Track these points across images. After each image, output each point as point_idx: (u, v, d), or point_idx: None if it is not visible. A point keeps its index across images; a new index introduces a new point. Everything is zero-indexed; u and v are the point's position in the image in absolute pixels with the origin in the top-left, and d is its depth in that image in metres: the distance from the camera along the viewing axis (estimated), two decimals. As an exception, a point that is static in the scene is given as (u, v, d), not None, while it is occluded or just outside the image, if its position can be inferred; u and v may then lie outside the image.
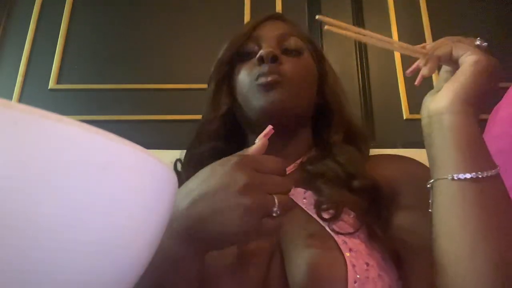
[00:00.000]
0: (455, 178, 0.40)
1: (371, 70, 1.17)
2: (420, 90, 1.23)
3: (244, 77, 0.59)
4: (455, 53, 0.47)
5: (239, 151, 0.62)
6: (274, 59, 0.56)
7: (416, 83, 0.53)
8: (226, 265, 0.47)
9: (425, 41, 1.18)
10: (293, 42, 0.61)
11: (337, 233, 0.45)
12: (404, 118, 1.11)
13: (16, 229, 0.18)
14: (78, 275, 0.21)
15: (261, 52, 0.56)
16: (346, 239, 0.44)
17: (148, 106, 1.14)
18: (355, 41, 1.20)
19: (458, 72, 0.44)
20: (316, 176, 0.53)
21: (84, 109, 1.15)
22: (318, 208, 0.48)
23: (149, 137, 1.10)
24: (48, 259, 0.19)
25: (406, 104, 1.12)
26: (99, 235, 0.21)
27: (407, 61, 1.17)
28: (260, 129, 0.61)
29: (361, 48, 1.19)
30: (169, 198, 0.28)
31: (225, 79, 0.62)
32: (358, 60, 1.17)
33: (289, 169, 0.58)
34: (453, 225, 0.40)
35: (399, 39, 1.18)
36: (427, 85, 1.22)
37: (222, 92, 0.62)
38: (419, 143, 0.74)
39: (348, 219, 0.47)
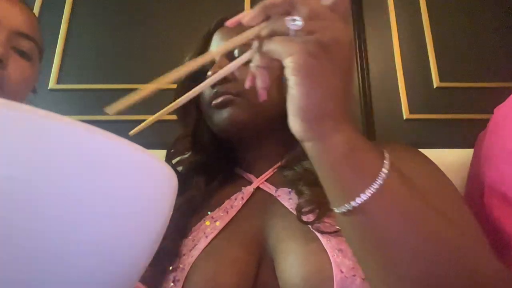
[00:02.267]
0: (339, 212, 0.34)
1: (371, 70, 1.17)
2: (420, 90, 1.23)
3: (203, 99, 0.60)
4: (272, 56, 0.35)
5: (224, 167, 0.64)
6: (222, 79, 0.54)
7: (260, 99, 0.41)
8: (217, 268, 0.47)
9: (425, 41, 1.18)
10: (243, 48, 0.54)
11: (322, 232, 0.45)
12: (404, 118, 1.11)
13: (16, 229, 0.18)
14: (77, 275, 0.21)
15: (208, 75, 0.54)
16: (332, 238, 0.44)
17: (148, 106, 1.14)
18: (355, 41, 1.20)
19: (289, 84, 0.34)
20: (295, 180, 0.53)
21: (84, 109, 1.14)
22: (298, 211, 0.47)
23: (149, 137, 1.10)
24: (49, 259, 0.19)
25: (406, 104, 1.12)
26: (99, 235, 0.21)
27: (407, 61, 1.17)
28: (236, 143, 0.63)
29: (361, 48, 1.19)
30: (169, 197, 0.28)
31: (191, 102, 0.62)
32: (358, 60, 1.17)
33: (268, 173, 0.58)
34: (359, 257, 0.36)
35: (399, 39, 1.18)
36: (427, 84, 1.22)
37: (189, 112, 0.64)
38: (419, 143, 0.74)
39: (332, 218, 0.47)
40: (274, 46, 0.34)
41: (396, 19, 1.21)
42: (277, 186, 0.55)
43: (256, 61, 0.37)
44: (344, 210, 0.33)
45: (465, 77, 1.15)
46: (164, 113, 0.40)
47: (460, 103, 1.13)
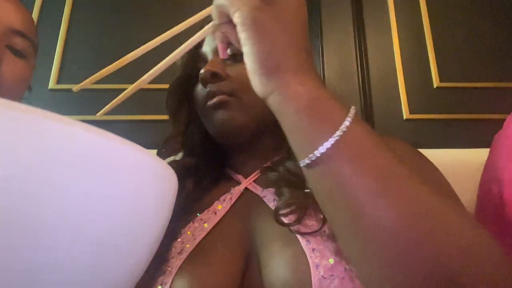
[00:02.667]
0: (304, 164, 0.32)
1: (371, 70, 1.17)
2: (420, 90, 1.23)
3: (197, 99, 0.59)
4: (224, 11, 0.35)
5: (213, 168, 0.63)
6: (214, 77, 0.55)
7: (222, 57, 0.42)
8: (205, 270, 0.47)
9: (425, 41, 1.18)
10: (234, 47, 0.55)
11: (301, 233, 0.44)
12: (404, 118, 1.11)
13: (16, 229, 0.18)
14: (78, 274, 0.21)
15: (200, 74, 0.55)
16: (311, 238, 0.44)
17: (148, 106, 1.14)
18: (355, 41, 1.20)
19: (241, 41, 0.34)
20: (277, 181, 0.53)
21: (84, 109, 1.15)
22: (276, 213, 0.47)
23: (149, 137, 1.10)
24: (49, 259, 0.19)
25: (406, 104, 1.12)
26: (100, 235, 0.21)
27: (407, 61, 1.17)
28: (225, 145, 0.61)
29: (361, 48, 1.19)
30: (169, 197, 0.28)
31: (183, 102, 0.64)
32: (358, 60, 1.17)
33: (254, 175, 0.57)
34: (327, 214, 0.33)
35: (399, 39, 1.18)
36: (427, 84, 1.22)
37: (181, 111, 0.64)
38: (419, 143, 0.74)
39: (314, 218, 0.47)
40: (223, 1, 0.34)
41: (396, 19, 1.21)
42: (264, 186, 0.55)
43: (214, 19, 0.38)
44: (308, 161, 0.31)
45: (465, 77, 1.15)
46: (131, 90, 0.44)
47: (460, 103, 1.13)
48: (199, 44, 0.62)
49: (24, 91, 0.60)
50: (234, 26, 0.35)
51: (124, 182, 0.22)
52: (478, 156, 0.87)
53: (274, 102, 0.33)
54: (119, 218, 0.22)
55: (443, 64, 1.16)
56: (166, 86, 1.16)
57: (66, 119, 0.20)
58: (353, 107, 0.33)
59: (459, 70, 1.16)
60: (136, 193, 0.24)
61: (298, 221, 0.45)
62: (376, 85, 1.15)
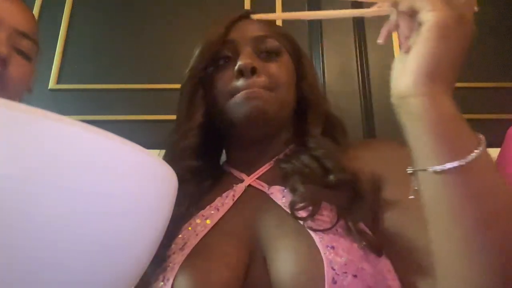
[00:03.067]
0: (437, 170, 0.34)
1: (371, 70, 1.17)
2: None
3: (222, 88, 0.57)
4: (414, 4, 0.37)
5: (214, 168, 0.62)
6: (253, 71, 0.54)
7: (379, 41, 0.44)
8: (208, 265, 0.47)
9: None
10: (270, 44, 0.58)
11: (315, 230, 0.44)
12: (404, 118, 1.11)
13: (16, 229, 0.18)
14: (78, 274, 0.21)
15: (239, 64, 0.54)
16: (324, 235, 0.44)
17: (148, 106, 1.14)
18: (355, 41, 1.20)
19: (418, 38, 0.36)
20: (292, 174, 0.52)
21: (84, 109, 1.15)
22: (292, 208, 0.47)
23: (149, 137, 1.10)
24: (49, 259, 0.19)
25: (406, 104, 1.12)
26: (99, 235, 0.21)
27: (407, 61, 1.17)
28: (239, 140, 0.60)
29: (361, 48, 1.19)
30: (169, 197, 0.28)
31: (199, 88, 0.59)
32: (358, 60, 1.17)
33: (265, 167, 0.57)
34: (444, 221, 0.36)
35: (399, 39, 1.18)
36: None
37: (196, 102, 0.59)
38: (419, 143, 0.74)
39: (327, 214, 0.47)
40: None
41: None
42: (270, 183, 0.54)
43: (400, 7, 0.39)
44: (455, 165, 0.34)
45: (465, 77, 1.15)
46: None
47: (459, 103, 1.13)
48: (228, 32, 0.59)
49: (25, 92, 0.61)
50: (409, 20, 0.38)
51: (124, 182, 0.22)
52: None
53: (419, 103, 0.36)
54: (119, 218, 0.22)
55: (443, 64, 1.16)
56: (166, 86, 1.16)
57: (66, 119, 0.20)
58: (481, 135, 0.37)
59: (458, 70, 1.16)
60: (136, 193, 0.24)
61: (312, 215, 0.46)
62: (376, 85, 1.15)
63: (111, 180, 0.22)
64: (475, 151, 0.34)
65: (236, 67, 0.54)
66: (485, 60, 1.17)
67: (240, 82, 0.54)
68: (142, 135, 1.11)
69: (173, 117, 1.16)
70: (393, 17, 0.41)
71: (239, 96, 0.54)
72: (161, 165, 0.26)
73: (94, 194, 0.21)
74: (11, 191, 0.18)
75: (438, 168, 0.34)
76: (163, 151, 0.65)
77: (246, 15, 0.61)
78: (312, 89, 0.62)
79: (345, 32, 1.21)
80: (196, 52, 0.60)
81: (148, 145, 0.34)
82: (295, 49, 0.63)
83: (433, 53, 0.35)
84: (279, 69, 0.57)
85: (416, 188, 0.38)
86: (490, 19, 1.21)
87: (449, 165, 0.34)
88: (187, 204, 0.56)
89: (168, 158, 0.60)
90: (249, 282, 0.46)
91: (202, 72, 0.59)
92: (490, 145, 0.94)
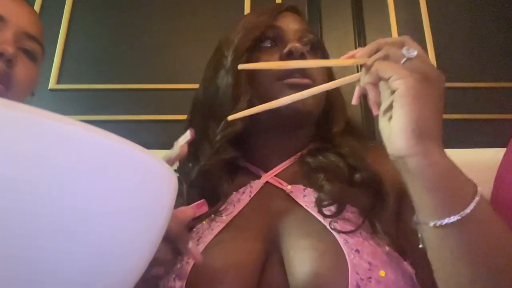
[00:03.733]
0: (437, 225, 0.36)
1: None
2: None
3: (268, 71, 0.55)
4: (381, 75, 0.40)
5: (244, 158, 0.61)
6: (302, 56, 0.54)
7: (353, 103, 0.47)
8: (223, 262, 0.46)
9: (425, 41, 1.18)
10: (313, 38, 0.60)
11: (339, 231, 0.44)
12: (404, 118, 1.11)
13: (15, 229, 0.18)
14: (78, 275, 0.21)
15: (290, 46, 0.54)
16: (348, 237, 0.43)
17: (148, 106, 1.14)
18: (355, 41, 1.20)
19: (396, 104, 0.38)
20: (317, 170, 0.52)
21: (84, 109, 1.15)
22: (319, 205, 0.47)
23: (149, 137, 1.10)
24: (48, 259, 0.19)
25: (406, 104, 1.12)
26: (99, 235, 0.21)
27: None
28: (274, 129, 0.58)
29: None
30: (169, 197, 0.28)
31: (243, 70, 0.55)
32: (358, 60, 1.17)
33: (284, 164, 0.57)
34: (447, 271, 0.37)
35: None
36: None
37: (241, 84, 0.56)
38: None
39: (350, 216, 0.46)
40: (386, 68, 0.39)
41: (396, 19, 1.21)
42: (289, 182, 0.54)
43: (366, 79, 0.42)
44: (442, 223, 0.35)
45: (465, 77, 1.15)
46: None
47: (460, 103, 1.13)
48: (273, 20, 0.59)
49: (29, 94, 0.61)
50: (377, 87, 0.41)
51: (124, 182, 0.22)
52: (478, 156, 0.87)
53: (416, 164, 0.37)
54: (119, 218, 0.22)
55: (443, 64, 1.16)
56: (166, 86, 1.16)
57: (66, 119, 0.20)
58: (476, 183, 0.38)
59: (459, 70, 1.16)
60: (136, 193, 0.24)
61: (337, 215, 0.46)
62: (376, 85, 1.15)
63: (111, 180, 0.22)
64: (472, 203, 0.35)
65: (287, 48, 0.54)
66: (486, 60, 1.17)
67: (284, 69, 0.54)
68: (142, 135, 1.11)
69: (174, 117, 1.16)
70: (362, 83, 0.43)
71: (289, 81, 0.54)
72: (161, 165, 0.26)
73: (94, 194, 0.21)
74: (10, 191, 0.18)
75: (438, 223, 0.36)
76: (163, 151, 0.65)
77: (293, 9, 0.63)
78: (337, 89, 0.62)
79: (345, 32, 1.21)
80: (238, 34, 0.59)
81: (148, 145, 0.34)
82: (323, 46, 0.64)
83: (414, 116, 0.37)
84: (322, 67, 0.58)
85: (420, 235, 0.40)
86: (490, 19, 1.21)
87: (447, 220, 0.35)
88: (202, 194, 0.53)
89: (198, 145, 0.57)
90: (265, 280, 0.45)
91: (246, 53, 0.57)
92: (491, 145, 0.94)
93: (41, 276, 0.20)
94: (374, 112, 0.43)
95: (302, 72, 0.54)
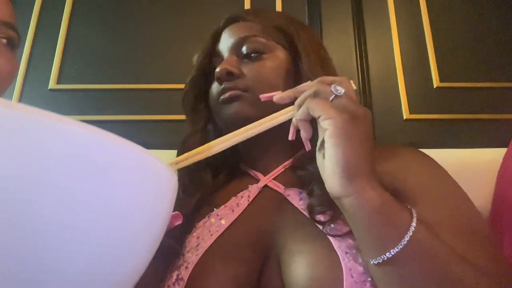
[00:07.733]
0: (375, 262, 0.38)
1: (371, 70, 1.17)
2: (420, 90, 1.23)
3: (211, 96, 0.60)
4: (311, 113, 0.41)
5: (232, 166, 0.62)
6: (229, 75, 0.55)
7: (289, 138, 0.47)
8: (219, 264, 0.46)
9: (425, 41, 1.18)
10: (250, 45, 0.57)
11: (333, 235, 0.44)
12: (404, 118, 1.11)
13: (16, 229, 0.18)
14: (78, 275, 0.21)
15: (216, 72, 0.56)
16: (342, 241, 0.44)
17: (148, 106, 1.14)
18: (355, 41, 1.20)
19: (326, 144, 0.39)
20: (309, 176, 0.52)
21: (84, 109, 1.15)
22: (310, 211, 0.47)
23: (149, 137, 1.10)
24: (49, 259, 0.19)
25: (406, 104, 1.12)
26: (99, 235, 0.21)
27: (407, 61, 1.17)
28: (248, 140, 0.61)
29: (361, 48, 1.19)
30: (169, 197, 0.28)
31: (200, 96, 0.63)
32: (358, 60, 1.17)
33: (276, 172, 0.56)
34: None
35: (399, 39, 1.18)
36: (427, 84, 1.22)
37: (199, 110, 0.63)
38: (419, 143, 0.74)
39: (344, 219, 0.46)
40: (316, 107, 0.40)
41: (396, 19, 1.21)
42: (286, 185, 0.54)
43: (298, 116, 0.43)
44: (380, 261, 0.37)
45: (465, 77, 1.15)
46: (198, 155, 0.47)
47: (460, 103, 1.13)
48: (215, 43, 0.62)
49: (11, 83, 0.59)
50: (310, 125, 0.43)
51: (124, 182, 0.22)
52: (478, 156, 0.87)
53: (349, 204, 0.38)
54: (119, 218, 0.22)
55: (443, 64, 1.16)
56: (166, 86, 1.16)
57: (66, 119, 0.20)
58: (410, 206, 0.40)
59: (459, 70, 1.16)
60: (136, 193, 0.24)
61: (332, 220, 0.46)
62: (376, 85, 1.15)
63: (111, 180, 0.22)
64: (406, 235, 0.36)
65: (215, 76, 0.57)
66: (485, 60, 1.17)
67: (219, 88, 0.57)
68: (142, 135, 1.11)
69: (174, 117, 1.17)
70: (294, 121, 0.45)
71: (220, 102, 0.57)
72: (161, 165, 0.26)
73: (94, 193, 0.21)
74: (10, 191, 0.18)
75: (376, 261, 0.37)
76: (163, 151, 0.64)
77: (233, 20, 0.62)
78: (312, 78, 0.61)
79: (345, 32, 1.21)
80: (198, 58, 0.64)
81: (148, 145, 0.34)
82: (292, 41, 0.60)
83: (344, 157, 0.38)
84: (260, 71, 0.56)
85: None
86: (490, 19, 1.21)
87: (383, 257, 0.37)
88: (198, 196, 0.56)
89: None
90: (263, 284, 0.46)
91: (199, 85, 0.63)
92: (491, 145, 0.94)
93: (42, 276, 0.20)
94: (307, 148, 0.45)
95: (233, 85, 0.56)
